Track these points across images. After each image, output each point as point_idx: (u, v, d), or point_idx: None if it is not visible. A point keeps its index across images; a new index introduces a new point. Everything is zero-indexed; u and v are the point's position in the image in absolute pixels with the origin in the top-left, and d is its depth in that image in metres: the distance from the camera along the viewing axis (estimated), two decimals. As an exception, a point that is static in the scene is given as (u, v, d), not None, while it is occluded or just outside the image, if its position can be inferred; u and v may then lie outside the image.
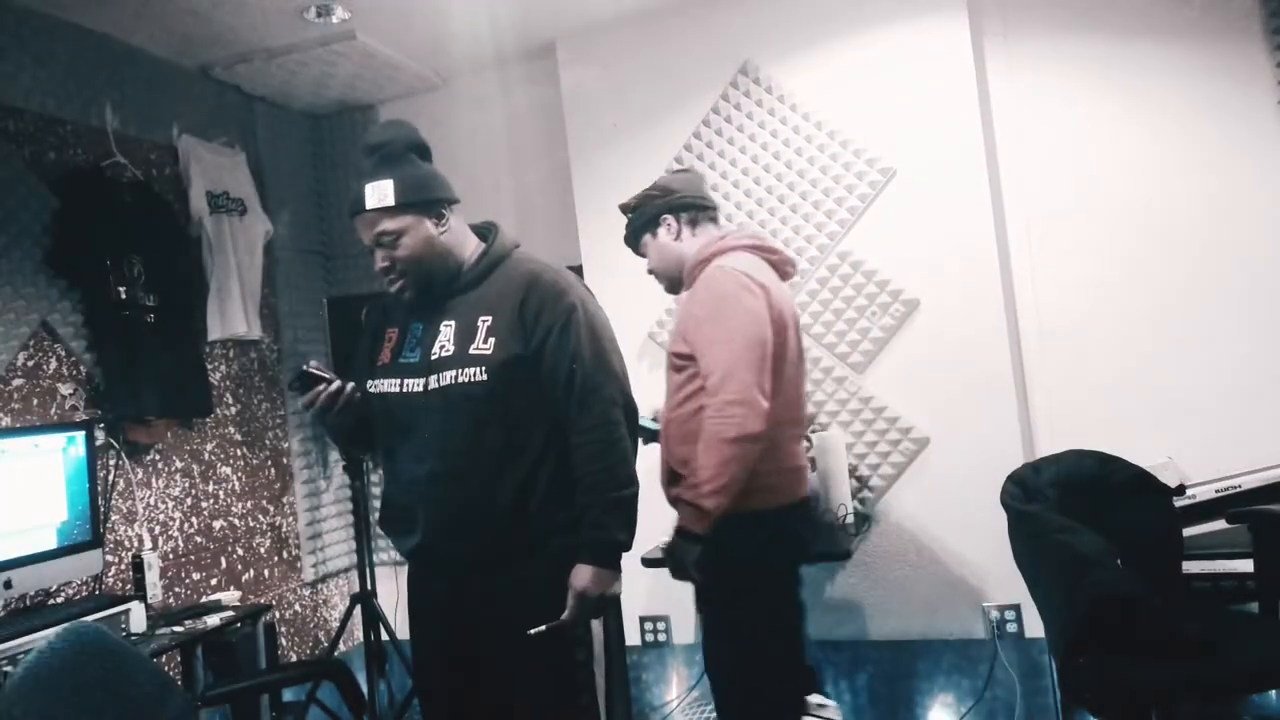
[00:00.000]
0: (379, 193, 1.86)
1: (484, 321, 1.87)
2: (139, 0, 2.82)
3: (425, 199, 1.90)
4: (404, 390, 1.90)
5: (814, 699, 2.32)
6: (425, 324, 1.93)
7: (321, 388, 1.92)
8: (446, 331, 1.89)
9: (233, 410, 3.42)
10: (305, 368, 1.94)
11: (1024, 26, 3.08)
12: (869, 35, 3.09)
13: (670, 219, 2.32)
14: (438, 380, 1.86)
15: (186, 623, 2.61)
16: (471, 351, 1.85)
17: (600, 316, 1.95)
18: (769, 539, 2.15)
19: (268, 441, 3.57)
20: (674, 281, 2.37)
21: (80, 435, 2.61)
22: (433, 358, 1.88)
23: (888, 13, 3.06)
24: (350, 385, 1.96)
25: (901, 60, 3.05)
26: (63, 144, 2.88)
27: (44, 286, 2.74)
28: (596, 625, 1.93)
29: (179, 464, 3.15)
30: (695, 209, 2.33)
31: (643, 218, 2.36)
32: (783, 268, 2.31)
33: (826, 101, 3.14)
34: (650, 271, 2.41)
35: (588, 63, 3.44)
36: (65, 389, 2.80)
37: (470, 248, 1.98)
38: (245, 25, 3.08)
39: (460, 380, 1.84)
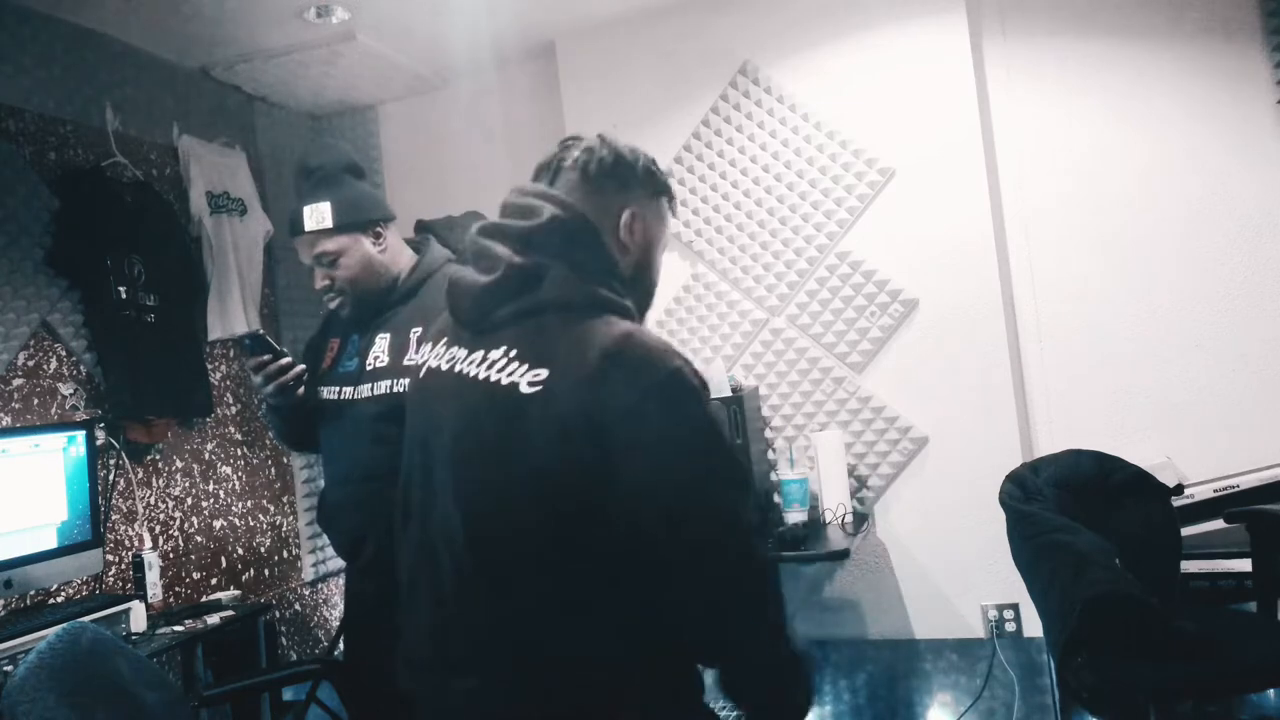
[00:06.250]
0: (317, 215, 1.96)
1: (414, 333, 1.91)
2: (139, 0, 2.83)
3: (361, 219, 1.97)
4: (340, 397, 1.98)
5: None
6: (363, 335, 2.00)
7: (269, 357, 1.97)
8: (381, 343, 1.96)
9: (233, 410, 3.42)
10: (260, 332, 2.01)
11: (1022, 27, 3.08)
12: (868, 36, 3.09)
13: None
14: (371, 389, 1.92)
15: (186, 622, 2.61)
16: (405, 363, 1.89)
17: None
18: None
19: (268, 441, 3.57)
20: None
21: (80, 435, 2.61)
22: (368, 367, 1.95)
23: (887, 13, 3.07)
24: (301, 366, 2.01)
25: (900, 61, 3.06)
26: (63, 144, 2.88)
27: (44, 286, 2.75)
28: None
29: (179, 464, 3.16)
30: None
31: None
32: None
33: (826, 102, 3.14)
34: None
35: (588, 63, 3.45)
36: (65, 389, 2.80)
37: (404, 262, 2.04)
38: (245, 25, 3.08)
39: (394, 390, 1.88)
